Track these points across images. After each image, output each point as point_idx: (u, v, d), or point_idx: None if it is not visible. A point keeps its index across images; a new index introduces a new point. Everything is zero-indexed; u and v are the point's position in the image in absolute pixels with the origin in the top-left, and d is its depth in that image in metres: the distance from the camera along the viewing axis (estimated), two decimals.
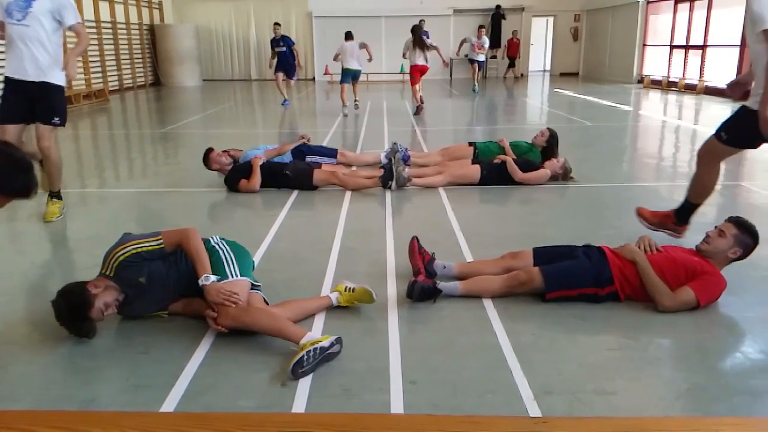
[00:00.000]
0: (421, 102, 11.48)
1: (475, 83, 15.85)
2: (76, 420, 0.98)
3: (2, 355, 2.67)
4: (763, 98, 3.11)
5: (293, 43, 12.91)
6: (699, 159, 3.81)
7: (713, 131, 3.65)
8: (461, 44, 16.57)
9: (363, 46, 12.05)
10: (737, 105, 3.88)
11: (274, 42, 12.59)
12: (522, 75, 22.03)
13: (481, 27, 16.18)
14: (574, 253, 3.23)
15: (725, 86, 3.88)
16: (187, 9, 21.52)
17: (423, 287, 3.03)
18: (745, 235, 3.04)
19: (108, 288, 2.71)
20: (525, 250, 3.38)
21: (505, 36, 20.68)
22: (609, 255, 3.13)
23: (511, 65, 20.97)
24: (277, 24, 12.99)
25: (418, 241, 3.36)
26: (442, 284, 3.09)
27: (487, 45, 15.68)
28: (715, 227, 3.13)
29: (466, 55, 16.93)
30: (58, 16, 4.31)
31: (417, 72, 12.03)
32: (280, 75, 12.64)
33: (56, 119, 4.45)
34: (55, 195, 4.72)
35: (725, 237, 3.04)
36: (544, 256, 3.29)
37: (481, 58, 15.76)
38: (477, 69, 15.83)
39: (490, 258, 3.47)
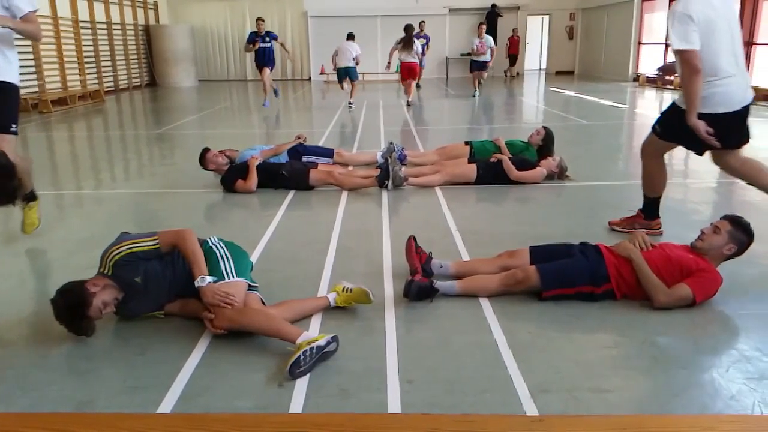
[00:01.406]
0: (413, 90, 12.16)
1: (476, 88, 14.19)
2: (72, 422, 0.98)
3: None
4: (688, 109, 3.46)
5: (277, 37, 12.89)
6: (641, 153, 4.03)
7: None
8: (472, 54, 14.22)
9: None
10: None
11: (259, 37, 12.33)
12: (518, 74, 22.04)
13: (481, 24, 14.59)
14: (570, 251, 3.23)
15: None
16: (183, 9, 21.50)
17: (420, 286, 3.03)
18: (739, 232, 3.05)
19: (107, 287, 2.71)
20: (521, 248, 3.39)
21: (501, 34, 20.67)
22: (605, 253, 3.14)
23: (512, 63, 20.92)
24: (260, 19, 12.83)
25: (414, 240, 3.36)
26: (439, 283, 3.09)
27: (492, 43, 13.87)
28: (711, 224, 3.14)
29: (465, 55, 16.08)
30: (6, 3, 3.74)
31: (404, 70, 12.18)
32: (267, 70, 12.55)
33: (14, 126, 4.00)
34: (29, 198, 4.27)
35: (720, 234, 3.05)
36: (540, 254, 3.29)
37: (485, 57, 13.74)
38: (478, 74, 14.00)
39: (487, 257, 3.47)
